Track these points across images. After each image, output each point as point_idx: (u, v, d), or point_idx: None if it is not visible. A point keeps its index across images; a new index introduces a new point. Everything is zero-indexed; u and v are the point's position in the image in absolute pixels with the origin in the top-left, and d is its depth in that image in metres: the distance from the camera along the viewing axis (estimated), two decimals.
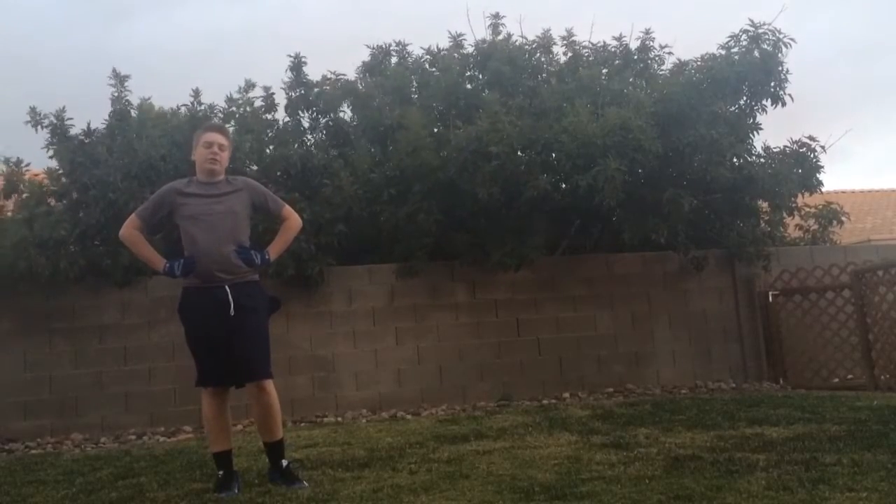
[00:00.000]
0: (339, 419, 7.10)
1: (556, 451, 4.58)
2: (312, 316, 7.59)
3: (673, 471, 3.86)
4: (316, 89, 8.48)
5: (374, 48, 8.89)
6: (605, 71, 8.45)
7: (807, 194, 8.37)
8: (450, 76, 8.10)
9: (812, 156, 8.04)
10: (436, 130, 7.94)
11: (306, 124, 8.65)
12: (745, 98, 8.00)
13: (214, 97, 8.30)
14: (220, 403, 4.01)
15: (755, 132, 8.11)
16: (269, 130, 8.29)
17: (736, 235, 8.46)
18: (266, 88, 8.42)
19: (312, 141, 8.60)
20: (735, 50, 7.84)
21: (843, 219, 9.86)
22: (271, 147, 7.91)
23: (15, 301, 7.06)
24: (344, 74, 8.67)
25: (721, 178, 7.61)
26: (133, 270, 7.04)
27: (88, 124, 7.56)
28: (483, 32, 9.18)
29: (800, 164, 8.03)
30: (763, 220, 8.89)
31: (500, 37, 8.63)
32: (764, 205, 8.64)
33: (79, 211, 7.26)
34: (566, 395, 7.73)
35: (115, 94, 7.70)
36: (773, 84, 7.83)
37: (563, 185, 7.77)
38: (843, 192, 16.58)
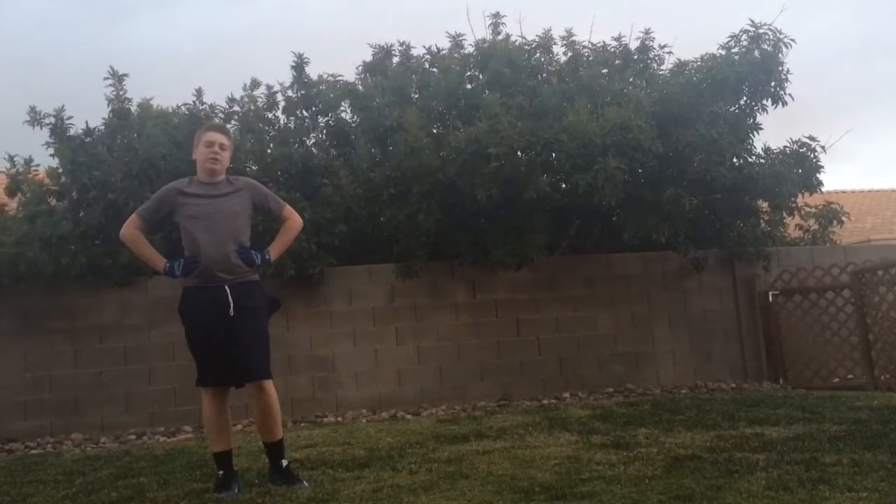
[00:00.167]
0: (339, 419, 7.10)
1: (556, 451, 4.57)
2: (312, 316, 7.59)
3: (673, 471, 3.86)
4: (315, 90, 8.47)
5: (375, 48, 8.89)
6: (605, 71, 8.44)
7: (807, 194, 8.36)
8: (450, 76, 8.10)
9: (812, 156, 8.04)
10: (435, 131, 7.94)
11: (306, 124, 8.64)
12: (745, 98, 7.99)
13: (215, 97, 8.34)
14: (220, 403, 4.01)
15: (755, 132, 8.10)
16: (270, 129, 8.29)
17: (736, 235, 8.46)
18: (269, 87, 8.44)
19: (313, 141, 8.60)
20: (735, 50, 7.84)
21: (844, 219, 9.86)
22: (272, 146, 7.91)
23: (15, 301, 7.06)
24: (341, 75, 8.68)
25: (721, 178, 7.60)
26: (133, 270, 7.04)
27: (87, 123, 7.57)
28: (483, 32, 9.18)
29: (800, 164, 8.02)
30: (763, 220, 8.88)
31: (500, 37, 8.62)
32: (764, 205, 8.64)
33: (79, 210, 7.27)
34: (566, 395, 7.73)
35: (114, 94, 7.67)
36: (773, 84, 7.82)
37: (563, 185, 7.77)
38: (844, 192, 16.58)
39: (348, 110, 8.61)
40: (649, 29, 8.81)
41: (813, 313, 8.25)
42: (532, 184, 7.26)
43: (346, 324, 7.67)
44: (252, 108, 8.27)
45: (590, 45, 8.85)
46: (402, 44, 8.90)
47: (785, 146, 8.13)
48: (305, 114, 8.58)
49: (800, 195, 8.35)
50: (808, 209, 9.44)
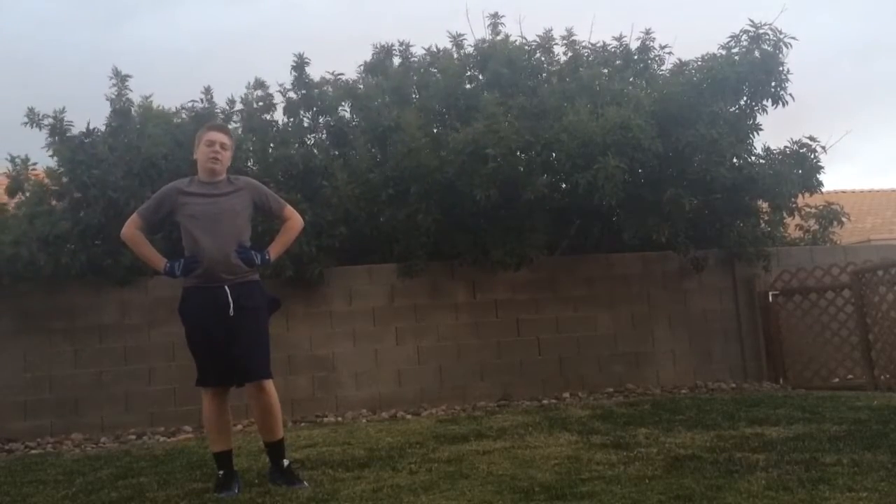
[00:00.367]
0: (339, 419, 7.10)
1: (556, 451, 4.57)
2: (312, 316, 7.59)
3: (673, 471, 3.86)
4: (316, 90, 8.48)
5: (376, 48, 8.90)
6: (605, 71, 8.44)
7: (807, 195, 8.36)
8: (449, 77, 8.10)
9: (812, 156, 8.03)
10: (435, 131, 7.94)
11: (307, 124, 8.65)
12: (745, 98, 7.98)
13: (216, 96, 8.30)
14: (220, 403, 4.01)
15: (755, 132, 8.09)
16: (271, 129, 8.29)
17: (736, 235, 8.46)
18: (265, 89, 8.43)
19: (313, 141, 8.61)
20: (735, 50, 7.84)
21: (844, 219, 9.86)
22: (272, 146, 7.91)
23: (15, 300, 7.06)
24: (342, 74, 8.69)
25: (721, 179, 7.60)
26: (134, 270, 7.03)
27: (87, 124, 7.57)
28: (483, 32, 9.18)
29: (800, 165, 8.02)
30: (763, 221, 8.88)
31: (500, 37, 8.62)
32: (764, 205, 8.64)
33: (79, 210, 7.26)
34: (566, 395, 7.73)
35: (116, 93, 7.70)
36: (773, 84, 7.81)
37: (563, 185, 7.77)
38: (844, 192, 16.58)
39: (349, 111, 8.62)
40: (650, 29, 8.83)
41: (813, 313, 8.25)
42: (530, 184, 7.26)
43: (346, 324, 7.67)
44: (255, 106, 8.28)
45: (590, 45, 8.86)
46: (401, 44, 8.93)
47: (785, 146, 8.14)
48: (306, 114, 8.59)
49: (800, 195, 8.34)
50: (808, 209, 9.44)
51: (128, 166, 7.18)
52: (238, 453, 4.60)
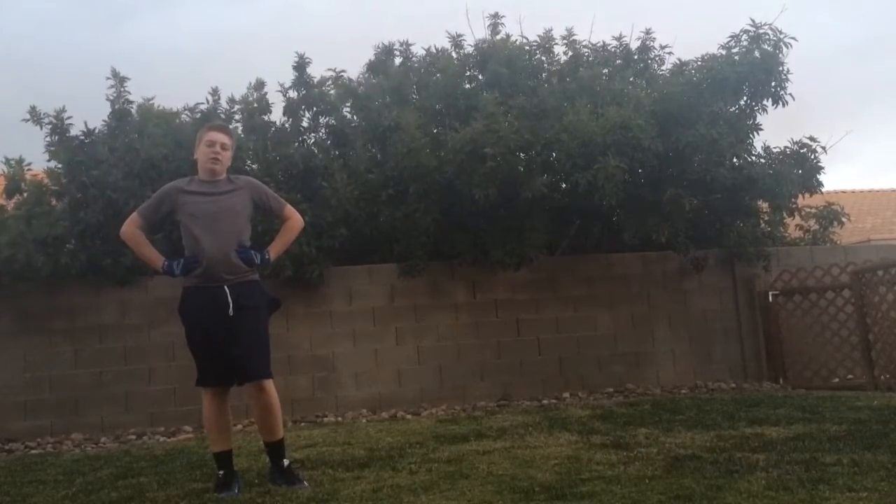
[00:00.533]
0: (339, 419, 7.10)
1: (556, 451, 4.57)
2: (312, 316, 7.59)
3: (673, 471, 3.86)
4: (317, 90, 8.48)
5: (378, 47, 8.90)
6: (605, 71, 8.45)
7: (807, 195, 8.36)
8: (449, 77, 8.10)
9: (812, 156, 8.03)
10: (434, 131, 7.94)
11: (307, 124, 8.65)
12: (745, 98, 7.99)
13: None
14: (220, 403, 4.00)
15: (755, 132, 8.10)
16: (270, 129, 8.29)
17: (736, 235, 8.47)
18: (272, 86, 8.47)
19: (313, 140, 8.61)
20: (735, 50, 7.84)
21: (844, 219, 9.86)
22: (271, 146, 7.91)
23: (15, 300, 7.06)
24: (344, 71, 8.69)
25: (721, 179, 7.61)
26: (135, 270, 7.03)
27: (86, 124, 7.57)
28: (483, 32, 9.18)
29: (800, 165, 8.02)
30: (763, 221, 8.89)
31: (500, 37, 8.63)
32: (764, 205, 8.64)
33: (79, 210, 7.25)
34: (566, 395, 7.73)
35: (115, 94, 7.69)
36: (773, 84, 7.82)
37: (563, 185, 7.77)
38: (844, 192, 16.58)
39: (349, 111, 8.62)
40: (650, 29, 8.85)
41: (813, 313, 8.25)
42: (529, 184, 7.26)
43: (346, 324, 7.67)
44: (255, 106, 8.28)
45: (590, 45, 8.86)
46: (402, 43, 8.93)
47: (785, 146, 8.14)
48: (307, 114, 8.59)
49: (800, 196, 8.34)
50: (808, 209, 9.44)
51: (128, 167, 7.17)
52: (238, 453, 4.60)
